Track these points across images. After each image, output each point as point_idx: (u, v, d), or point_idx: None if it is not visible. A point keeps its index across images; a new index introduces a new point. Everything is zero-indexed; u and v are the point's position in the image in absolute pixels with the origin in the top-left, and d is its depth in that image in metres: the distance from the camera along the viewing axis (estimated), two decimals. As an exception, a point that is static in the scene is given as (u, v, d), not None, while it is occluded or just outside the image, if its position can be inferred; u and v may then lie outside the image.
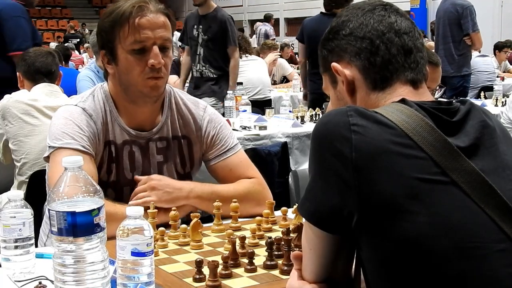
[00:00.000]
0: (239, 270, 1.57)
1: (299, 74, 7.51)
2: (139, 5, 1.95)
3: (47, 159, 1.99)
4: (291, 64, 9.59)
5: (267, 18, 15.28)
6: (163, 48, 1.98)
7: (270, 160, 3.79)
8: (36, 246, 1.63)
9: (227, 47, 5.55)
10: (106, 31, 1.99)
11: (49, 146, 1.97)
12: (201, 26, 5.66)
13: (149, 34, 1.95)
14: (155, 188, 1.95)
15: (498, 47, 9.72)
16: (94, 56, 5.17)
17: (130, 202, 1.92)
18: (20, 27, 4.46)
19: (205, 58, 5.58)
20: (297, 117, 4.67)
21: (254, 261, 1.57)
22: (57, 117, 2.01)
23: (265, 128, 4.27)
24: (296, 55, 13.57)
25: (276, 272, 1.56)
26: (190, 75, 5.80)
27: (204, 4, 5.61)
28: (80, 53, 14.80)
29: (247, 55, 6.42)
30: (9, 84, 3.85)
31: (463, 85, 6.42)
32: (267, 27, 14.74)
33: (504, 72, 9.46)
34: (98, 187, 1.34)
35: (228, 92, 5.08)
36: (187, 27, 5.73)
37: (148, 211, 1.82)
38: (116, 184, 2.05)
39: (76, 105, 2.02)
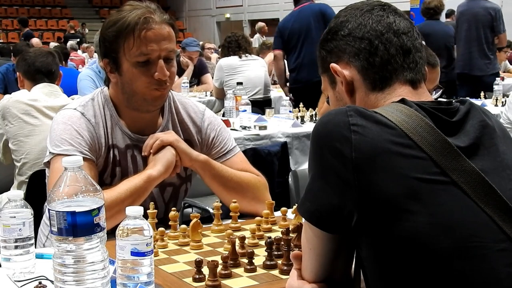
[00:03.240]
0: (239, 270, 1.57)
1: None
2: (145, 16, 1.92)
3: (47, 164, 1.99)
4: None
5: None
6: (168, 59, 1.97)
7: (270, 160, 3.79)
8: (35, 247, 1.64)
9: None
10: (110, 41, 1.97)
11: (49, 152, 1.97)
12: None
13: (154, 47, 1.93)
14: (171, 135, 2.02)
15: (498, 47, 9.73)
16: (94, 56, 5.15)
17: (147, 141, 1.99)
18: None
19: None
20: (297, 117, 4.66)
21: (253, 261, 1.57)
22: (56, 122, 2.00)
23: (265, 128, 4.27)
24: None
25: (275, 272, 1.56)
26: None
27: None
28: (82, 52, 14.81)
29: (247, 54, 6.40)
30: None
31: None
32: None
33: (504, 72, 9.46)
34: (98, 187, 1.34)
35: None
36: None
37: (148, 211, 1.82)
38: None
39: (75, 108, 2.02)
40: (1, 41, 19.89)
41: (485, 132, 1.24)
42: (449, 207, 1.13)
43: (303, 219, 1.25)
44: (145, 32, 1.92)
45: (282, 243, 1.60)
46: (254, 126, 4.28)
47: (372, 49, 1.30)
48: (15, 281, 1.53)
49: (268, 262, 1.59)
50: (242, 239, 1.68)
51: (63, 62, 7.12)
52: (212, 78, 6.77)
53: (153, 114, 2.08)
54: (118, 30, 1.94)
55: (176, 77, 2.16)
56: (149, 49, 1.93)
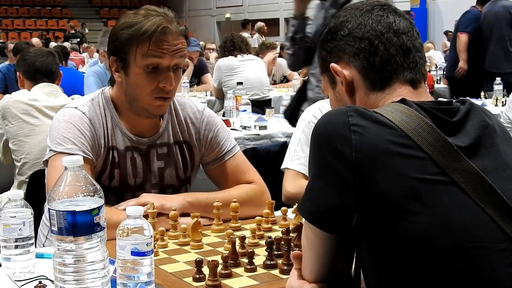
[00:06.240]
0: (239, 270, 1.57)
1: (299, 74, 7.50)
2: (162, 26, 1.90)
3: (46, 163, 1.98)
4: (291, 64, 9.53)
5: None
6: (176, 68, 1.96)
7: (270, 160, 3.79)
8: (35, 247, 1.64)
9: None
10: (121, 42, 1.94)
11: (49, 150, 1.95)
12: None
13: (166, 57, 1.92)
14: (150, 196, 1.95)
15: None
16: (94, 56, 5.16)
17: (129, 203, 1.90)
18: None
19: None
20: (297, 117, 4.66)
21: (254, 260, 1.57)
22: (58, 120, 1.99)
23: (265, 128, 4.27)
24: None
25: (276, 272, 1.56)
26: None
27: None
28: (80, 52, 14.80)
29: (243, 54, 6.39)
30: None
31: None
32: None
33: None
34: (98, 187, 1.34)
35: None
36: None
37: (148, 211, 1.82)
38: (118, 190, 2.03)
39: (76, 107, 2.01)
40: (1, 41, 19.88)
41: (486, 132, 1.24)
42: (449, 207, 1.13)
43: (303, 219, 1.25)
44: (161, 42, 1.91)
45: (282, 243, 1.60)
46: (254, 126, 4.29)
47: (372, 49, 1.30)
48: (15, 280, 1.53)
49: (268, 262, 1.59)
50: (242, 238, 1.68)
51: (63, 62, 7.12)
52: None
53: (153, 119, 2.08)
54: (133, 34, 1.92)
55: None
56: (160, 59, 1.92)
